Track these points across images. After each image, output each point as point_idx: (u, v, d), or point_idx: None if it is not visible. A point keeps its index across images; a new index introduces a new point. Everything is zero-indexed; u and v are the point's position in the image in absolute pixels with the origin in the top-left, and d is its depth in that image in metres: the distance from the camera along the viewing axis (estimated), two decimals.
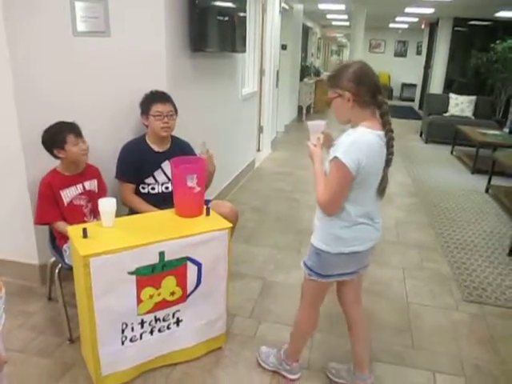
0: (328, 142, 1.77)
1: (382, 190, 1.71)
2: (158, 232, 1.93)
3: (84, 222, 2.30)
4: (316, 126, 1.77)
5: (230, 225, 2.07)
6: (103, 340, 1.84)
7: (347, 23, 12.01)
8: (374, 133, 1.61)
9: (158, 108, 2.46)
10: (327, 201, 1.64)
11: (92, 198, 2.38)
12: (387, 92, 15.61)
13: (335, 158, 1.57)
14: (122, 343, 1.90)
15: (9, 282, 2.67)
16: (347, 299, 1.96)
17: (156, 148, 2.57)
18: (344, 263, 1.76)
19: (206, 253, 1.99)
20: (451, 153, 7.13)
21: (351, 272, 1.82)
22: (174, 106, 2.54)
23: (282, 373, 2.07)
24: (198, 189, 2.09)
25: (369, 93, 1.61)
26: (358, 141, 1.58)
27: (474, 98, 7.86)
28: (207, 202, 2.43)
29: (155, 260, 1.85)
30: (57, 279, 2.24)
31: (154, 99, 2.49)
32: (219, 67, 3.86)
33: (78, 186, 2.37)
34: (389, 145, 1.63)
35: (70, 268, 2.04)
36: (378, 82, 1.64)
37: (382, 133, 1.63)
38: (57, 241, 2.35)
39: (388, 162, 1.68)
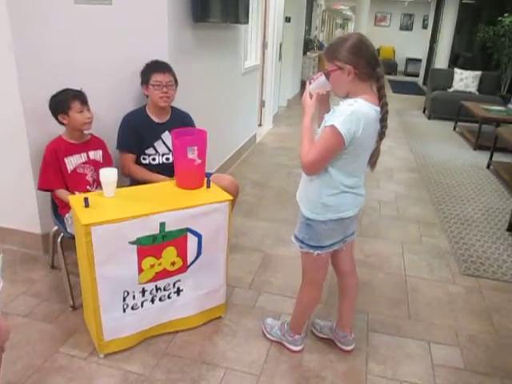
0: (323, 104, 1.77)
1: (373, 162, 1.76)
2: (159, 203, 1.94)
3: (87, 191, 2.32)
4: (323, 84, 1.72)
5: (231, 197, 2.08)
6: (105, 307, 1.88)
7: None
8: (372, 107, 1.62)
9: (157, 78, 2.45)
10: (311, 162, 1.65)
11: (96, 167, 2.38)
12: (393, 67, 15.42)
13: (332, 125, 1.57)
14: (124, 310, 1.94)
15: (12, 250, 2.72)
16: (342, 269, 2.02)
17: (156, 119, 2.56)
18: (332, 231, 1.79)
19: (207, 224, 2.01)
20: (454, 129, 7.09)
21: (339, 241, 1.86)
22: (174, 76, 2.52)
23: (285, 344, 2.10)
24: (198, 161, 2.10)
25: (368, 65, 1.60)
26: (358, 112, 1.57)
27: (479, 73, 7.75)
28: (208, 174, 2.43)
29: (156, 230, 1.87)
30: (59, 248, 2.27)
31: (153, 69, 2.48)
32: (221, 39, 3.80)
33: (82, 154, 2.38)
34: (383, 118, 1.64)
35: (72, 237, 2.07)
36: (376, 54, 1.64)
37: (378, 108, 1.64)
38: (59, 210, 2.37)
39: (381, 135, 1.69)
